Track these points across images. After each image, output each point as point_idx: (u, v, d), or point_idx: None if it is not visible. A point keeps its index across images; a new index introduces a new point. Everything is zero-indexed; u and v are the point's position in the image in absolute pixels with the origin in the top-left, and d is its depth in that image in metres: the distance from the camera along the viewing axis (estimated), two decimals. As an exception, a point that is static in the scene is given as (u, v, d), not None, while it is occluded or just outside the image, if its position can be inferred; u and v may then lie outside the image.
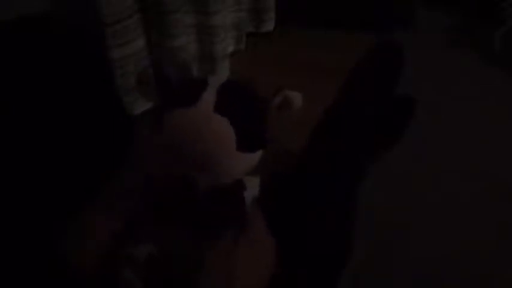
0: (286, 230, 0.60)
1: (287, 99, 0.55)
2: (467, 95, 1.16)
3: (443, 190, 0.90)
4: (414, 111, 0.77)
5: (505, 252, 0.79)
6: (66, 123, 0.69)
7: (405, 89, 0.80)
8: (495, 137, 1.02)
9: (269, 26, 1.36)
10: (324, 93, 0.80)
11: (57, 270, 0.54)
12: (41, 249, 0.59)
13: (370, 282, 0.73)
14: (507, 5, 1.31)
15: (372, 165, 0.74)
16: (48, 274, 0.56)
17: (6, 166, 0.61)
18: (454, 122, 1.07)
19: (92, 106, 0.75)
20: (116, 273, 0.51)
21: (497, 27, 1.31)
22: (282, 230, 0.57)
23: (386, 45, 0.85)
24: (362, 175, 0.73)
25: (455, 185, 0.91)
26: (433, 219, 0.84)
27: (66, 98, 0.69)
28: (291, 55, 1.30)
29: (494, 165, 0.96)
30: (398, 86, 0.81)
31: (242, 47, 1.29)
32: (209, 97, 0.51)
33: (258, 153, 0.56)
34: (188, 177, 0.52)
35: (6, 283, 0.58)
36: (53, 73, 0.67)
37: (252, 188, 0.58)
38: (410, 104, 0.78)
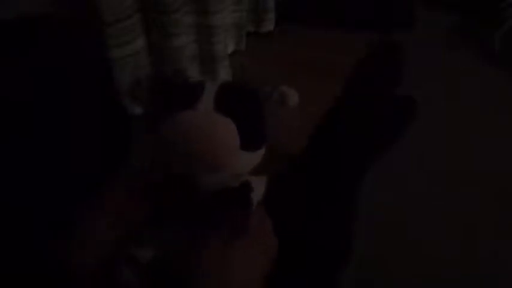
0: (286, 229, 0.60)
1: (283, 96, 0.55)
2: (467, 95, 1.16)
3: (444, 190, 0.90)
4: (414, 111, 0.77)
5: (504, 252, 0.79)
6: (65, 123, 0.69)
7: (405, 89, 0.80)
8: (495, 137, 1.02)
9: (269, 26, 1.36)
10: (324, 93, 0.80)
11: (57, 271, 0.54)
12: (40, 250, 0.59)
13: (370, 282, 0.73)
14: (507, 5, 1.31)
15: (372, 165, 0.74)
16: (48, 275, 0.56)
17: (5, 166, 0.61)
18: (454, 122, 1.07)
19: (91, 106, 0.75)
20: (116, 275, 0.51)
21: (497, 27, 1.31)
22: (281, 230, 0.57)
23: (386, 45, 0.85)
24: (362, 175, 0.73)
25: (456, 184, 0.91)
26: (433, 219, 0.84)
27: (66, 98, 0.69)
28: (291, 55, 1.30)
29: (494, 165, 0.96)
30: (399, 86, 0.81)
31: (242, 47, 1.30)
32: (209, 98, 0.51)
33: (261, 151, 0.56)
34: (188, 178, 0.51)
35: (5, 284, 0.58)
36: (52, 73, 0.67)
37: (258, 189, 0.57)
38: (410, 104, 0.78)
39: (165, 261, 0.51)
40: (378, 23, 1.35)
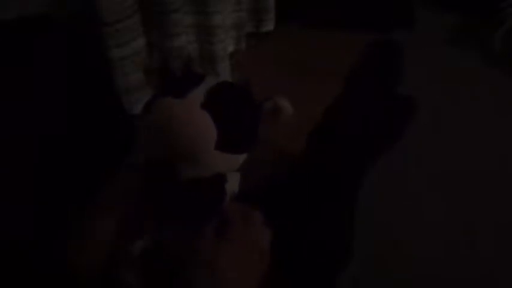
0: (285, 231, 0.60)
1: (277, 106, 0.55)
2: (467, 95, 1.16)
3: (443, 190, 0.90)
4: (414, 111, 0.77)
5: (505, 252, 0.79)
6: (65, 123, 0.69)
7: (405, 89, 0.81)
8: (495, 137, 1.02)
9: (269, 26, 1.36)
10: (323, 94, 0.80)
11: (57, 271, 0.54)
12: (40, 250, 0.59)
13: (370, 282, 0.73)
14: (507, 5, 1.31)
15: (371, 165, 0.74)
16: (48, 275, 0.56)
17: (5, 166, 0.61)
18: (454, 122, 1.07)
19: (91, 106, 0.75)
20: (115, 273, 0.51)
21: (497, 27, 1.31)
22: (280, 231, 0.57)
23: (386, 45, 0.85)
24: (362, 175, 0.73)
25: (455, 185, 0.91)
26: (433, 220, 0.84)
27: (66, 98, 0.69)
28: (291, 55, 1.30)
29: (494, 165, 0.96)
30: (399, 86, 0.81)
31: (242, 47, 1.30)
32: (200, 93, 0.51)
33: (241, 156, 0.55)
34: (169, 165, 0.51)
35: (5, 284, 0.58)
36: (52, 73, 0.67)
37: (233, 182, 0.57)
38: (411, 104, 0.78)
39: (156, 253, 0.51)
40: (378, 23, 1.35)
